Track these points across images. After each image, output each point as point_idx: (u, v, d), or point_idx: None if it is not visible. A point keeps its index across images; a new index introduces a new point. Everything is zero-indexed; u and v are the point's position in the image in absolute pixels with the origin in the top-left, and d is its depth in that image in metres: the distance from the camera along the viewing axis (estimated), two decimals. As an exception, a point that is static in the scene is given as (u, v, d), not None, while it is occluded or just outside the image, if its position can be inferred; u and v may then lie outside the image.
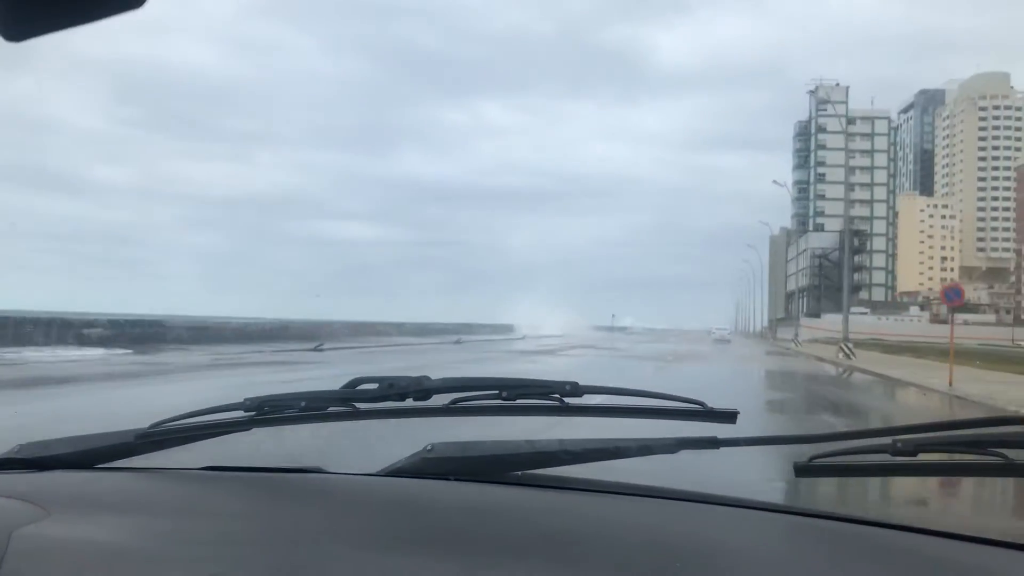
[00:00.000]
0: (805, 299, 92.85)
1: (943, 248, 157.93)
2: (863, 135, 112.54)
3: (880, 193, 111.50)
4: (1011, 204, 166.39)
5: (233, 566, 0.82)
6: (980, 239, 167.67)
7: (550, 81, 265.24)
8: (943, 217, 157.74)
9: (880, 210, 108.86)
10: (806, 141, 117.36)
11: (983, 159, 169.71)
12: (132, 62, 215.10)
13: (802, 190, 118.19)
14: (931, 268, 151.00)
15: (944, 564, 0.92)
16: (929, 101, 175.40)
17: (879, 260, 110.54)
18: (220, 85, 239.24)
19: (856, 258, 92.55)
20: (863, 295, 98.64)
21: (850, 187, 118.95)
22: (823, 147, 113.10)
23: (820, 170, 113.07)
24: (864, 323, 78.26)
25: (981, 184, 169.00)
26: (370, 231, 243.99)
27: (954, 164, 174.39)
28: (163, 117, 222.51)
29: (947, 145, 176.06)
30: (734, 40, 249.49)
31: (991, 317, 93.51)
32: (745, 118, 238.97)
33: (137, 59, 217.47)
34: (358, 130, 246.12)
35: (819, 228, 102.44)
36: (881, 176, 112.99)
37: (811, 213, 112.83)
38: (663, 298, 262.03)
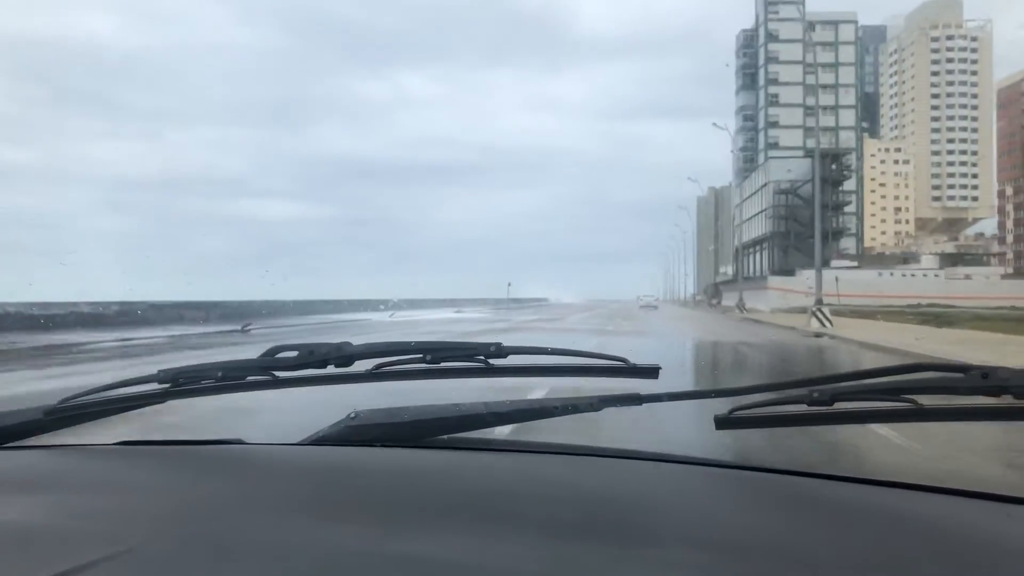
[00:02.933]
0: (766, 253, 68.16)
1: (896, 198, 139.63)
2: (824, 44, 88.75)
3: (847, 118, 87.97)
4: (967, 147, 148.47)
5: (149, 540, 0.78)
6: (936, 187, 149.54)
7: (471, 50, 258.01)
8: (896, 163, 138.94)
9: (848, 140, 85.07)
10: (753, 56, 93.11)
11: (936, 96, 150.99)
12: (29, 38, 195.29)
13: (748, 118, 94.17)
14: (884, 221, 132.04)
15: (859, 508, 0.96)
16: (870, 38, 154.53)
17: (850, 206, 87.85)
18: (126, 60, 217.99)
19: (837, 193, 68.75)
20: (845, 245, 75.11)
21: (809, 110, 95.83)
22: (775, 60, 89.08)
23: (772, 90, 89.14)
24: (857, 280, 53.86)
25: (935, 125, 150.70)
26: (293, 209, 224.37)
27: (904, 104, 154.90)
28: (67, 95, 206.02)
29: (896, 83, 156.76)
30: (658, 4, 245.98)
31: (998, 269, 70.91)
32: (670, 85, 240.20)
33: (34, 34, 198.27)
34: (275, 104, 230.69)
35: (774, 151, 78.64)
36: (848, 98, 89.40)
37: (761, 145, 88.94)
38: (593, 271, 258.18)
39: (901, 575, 0.73)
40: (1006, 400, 0.97)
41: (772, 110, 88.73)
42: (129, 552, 0.74)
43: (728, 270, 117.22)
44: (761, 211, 67.40)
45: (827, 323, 24.25)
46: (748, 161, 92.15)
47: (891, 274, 55.97)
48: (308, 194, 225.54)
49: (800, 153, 73.18)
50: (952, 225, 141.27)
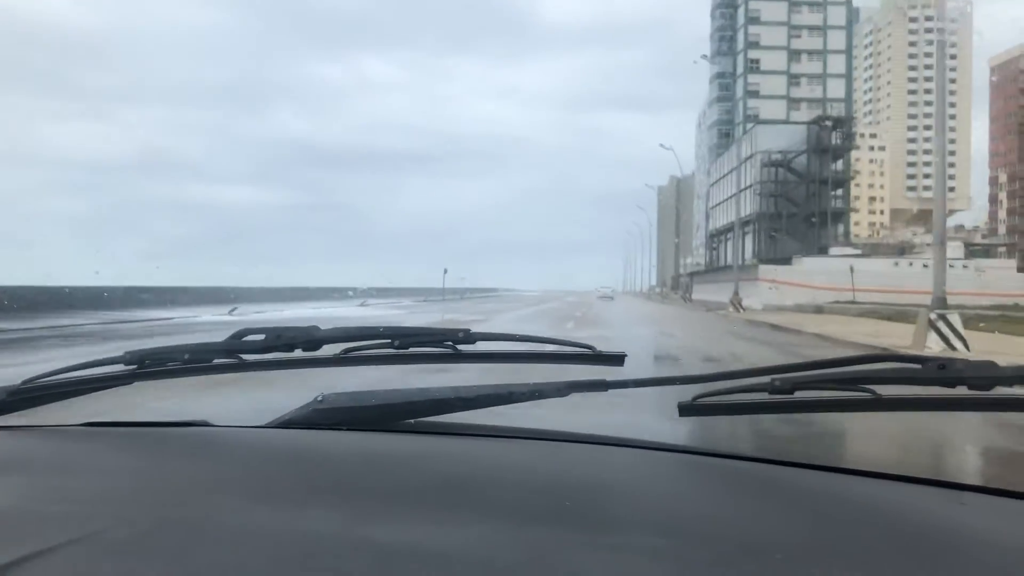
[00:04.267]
0: (751, 238, 56.96)
1: (871, 186, 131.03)
2: (812, 4, 77.99)
3: (835, 89, 77.36)
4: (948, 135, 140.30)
5: (116, 522, 0.77)
6: (911, 175, 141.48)
7: (434, 36, 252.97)
8: (871, 149, 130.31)
9: (837, 111, 74.40)
10: (731, 16, 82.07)
11: (913, 80, 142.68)
12: None
13: (725, 87, 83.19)
14: (857, 211, 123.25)
15: (820, 494, 0.99)
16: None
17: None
18: (77, 37, 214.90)
19: (845, 165, 57.90)
20: (845, 228, 64.33)
21: (794, 79, 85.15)
22: (756, 20, 78.15)
23: (753, 55, 78.19)
24: (867, 271, 42.89)
25: (912, 111, 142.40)
26: (249, 194, 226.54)
27: (879, 88, 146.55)
28: (15, 73, 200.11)
29: (871, 66, 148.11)
30: None
31: (1009, 262, 60.70)
32: (633, 76, 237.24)
33: None
34: (231, 86, 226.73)
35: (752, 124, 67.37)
36: (837, 65, 78.82)
37: (739, 118, 78.06)
38: (554, 262, 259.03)
39: (861, 560, 0.74)
40: (961, 391, 1.00)
41: (752, 78, 77.89)
42: (96, 535, 0.73)
43: (690, 261, 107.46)
44: (745, 188, 56.25)
45: (958, 343, 12.65)
46: (723, 136, 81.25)
47: (910, 264, 45.08)
48: (265, 178, 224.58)
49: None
50: (927, 217, 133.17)
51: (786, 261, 47.61)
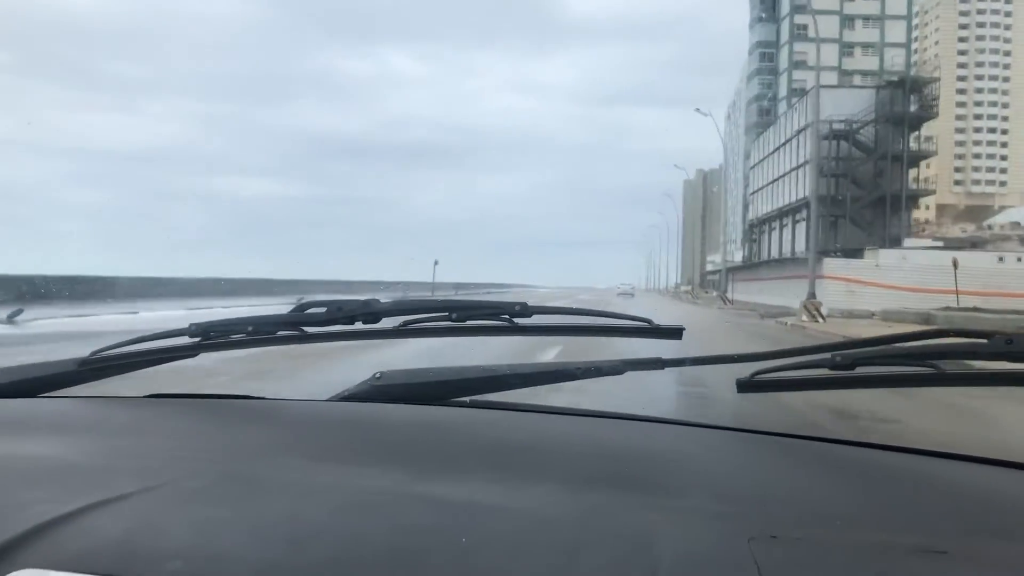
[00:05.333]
0: (802, 227, 47.15)
1: (915, 180, 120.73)
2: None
3: (894, 57, 67.24)
4: (997, 124, 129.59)
5: (182, 476, 0.80)
6: (958, 168, 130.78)
7: (458, 29, 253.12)
8: (915, 139, 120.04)
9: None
10: (774, -24, 72.18)
11: (963, 65, 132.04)
12: None
13: (766, 57, 73.30)
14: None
15: (880, 471, 0.97)
16: None
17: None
18: (101, 27, 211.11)
19: (919, 139, 47.98)
20: (920, 212, 54.32)
21: (847, 47, 75.02)
22: (805, -20, 68.23)
23: (800, 20, 68.23)
24: (964, 269, 32.95)
25: (961, 99, 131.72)
26: (271, 187, 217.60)
27: (927, 74, 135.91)
28: (38, 62, 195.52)
29: (916, 51, 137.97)
30: None
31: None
32: (659, 72, 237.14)
33: None
34: (255, 79, 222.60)
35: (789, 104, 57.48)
36: (896, 33, 68.73)
37: (783, 92, 68.25)
38: (573, 258, 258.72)
39: (927, 533, 0.73)
40: None
41: (799, 46, 67.99)
42: (166, 485, 0.75)
43: (717, 258, 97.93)
44: (797, 166, 46.46)
45: None
46: (763, 114, 71.41)
47: (1019, 260, 35.27)
48: (286, 171, 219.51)
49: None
50: (975, 213, 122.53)
51: (855, 253, 37.89)
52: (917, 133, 47.56)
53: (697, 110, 62.38)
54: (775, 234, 54.80)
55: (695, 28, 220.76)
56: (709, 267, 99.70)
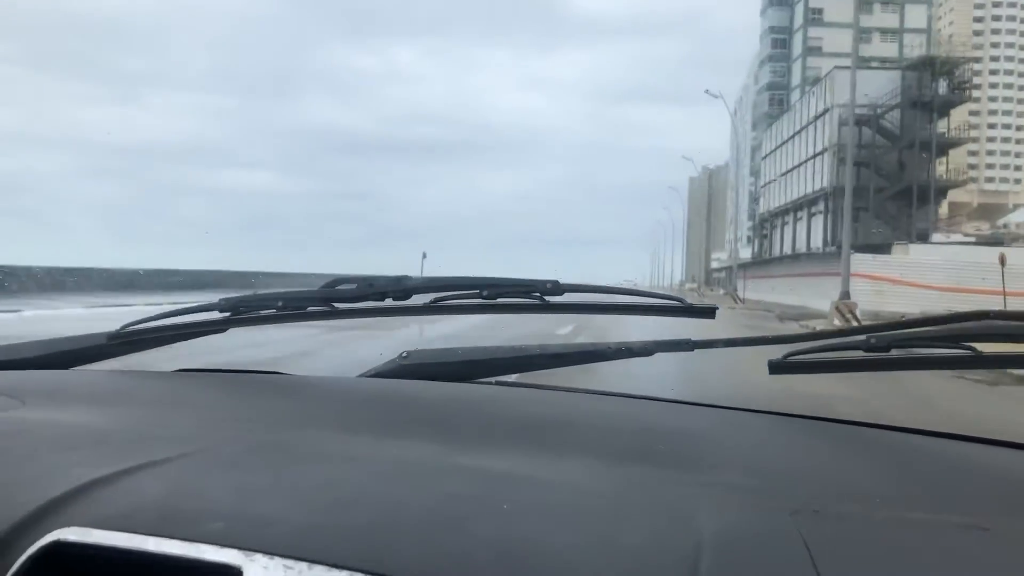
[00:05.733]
0: (820, 220, 43.72)
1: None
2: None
3: (913, 42, 63.68)
4: (1012, 120, 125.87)
5: (219, 443, 0.82)
6: (972, 165, 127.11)
7: (465, 24, 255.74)
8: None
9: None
10: (788, -42, 68.55)
11: (978, 60, 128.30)
12: None
13: (779, 43, 69.76)
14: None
15: (915, 455, 0.96)
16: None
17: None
18: (107, 19, 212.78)
19: (943, 119, 44.33)
20: (943, 205, 50.77)
21: (864, 32, 71.27)
22: (821, -39, 64.62)
23: (815, 3, 64.70)
24: (994, 267, 29.48)
25: (975, 94, 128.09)
26: (277, 181, 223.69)
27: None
28: (44, 55, 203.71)
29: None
30: None
31: None
32: (666, 70, 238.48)
33: None
34: (261, 73, 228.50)
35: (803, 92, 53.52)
36: (917, 18, 65.13)
37: (796, 81, 64.76)
38: (579, 255, 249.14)
39: (967, 517, 0.72)
40: None
41: (814, 31, 64.47)
42: (202, 452, 0.76)
43: (723, 255, 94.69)
44: (816, 154, 43.06)
45: None
46: (775, 103, 67.92)
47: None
48: (292, 166, 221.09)
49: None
50: (988, 211, 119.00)
51: (879, 249, 34.47)
52: (946, 119, 43.85)
53: (707, 91, 58.69)
54: (787, 229, 51.40)
55: (703, 25, 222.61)
56: (715, 264, 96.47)
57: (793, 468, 0.86)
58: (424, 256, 45.78)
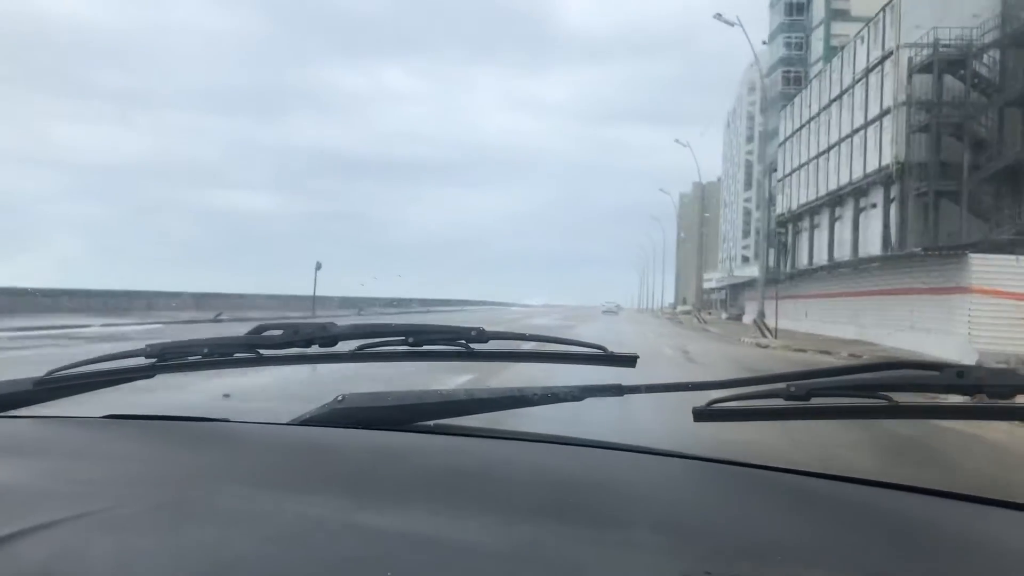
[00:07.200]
0: (879, 211, 30.35)
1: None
2: None
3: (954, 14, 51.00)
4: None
5: (120, 502, 0.81)
6: None
7: (454, 44, 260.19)
8: None
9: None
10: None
11: None
12: None
13: (794, 7, 57.08)
14: None
15: (827, 502, 1.00)
16: None
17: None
18: (96, 39, 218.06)
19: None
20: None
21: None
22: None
23: (842, -46, 51.98)
24: None
25: None
26: (264, 201, 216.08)
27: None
28: (32, 73, 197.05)
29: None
30: (648, 6, 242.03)
31: None
32: (656, 90, 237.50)
33: None
34: (251, 93, 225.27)
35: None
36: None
37: (817, 55, 51.97)
38: (567, 275, 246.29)
39: (866, 570, 0.75)
40: (981, 399, 0.99)
41: (838, -8, 51.66)
42: (99, 513, 0.77)
43: (716, 275, 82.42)
44: (877, 117, 29.82)
45: None
46: (790, 82, 55.21)
47: None
48: (280, 186, 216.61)
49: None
50: None
51: (1017, 247, 21.10)
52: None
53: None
54: (819, 233, 38.10)
55: (694, 47, 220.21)
56: (712, 283, 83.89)
57: (700, 520, 0.88)
58: (318, 267, 36.52)
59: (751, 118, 69.71)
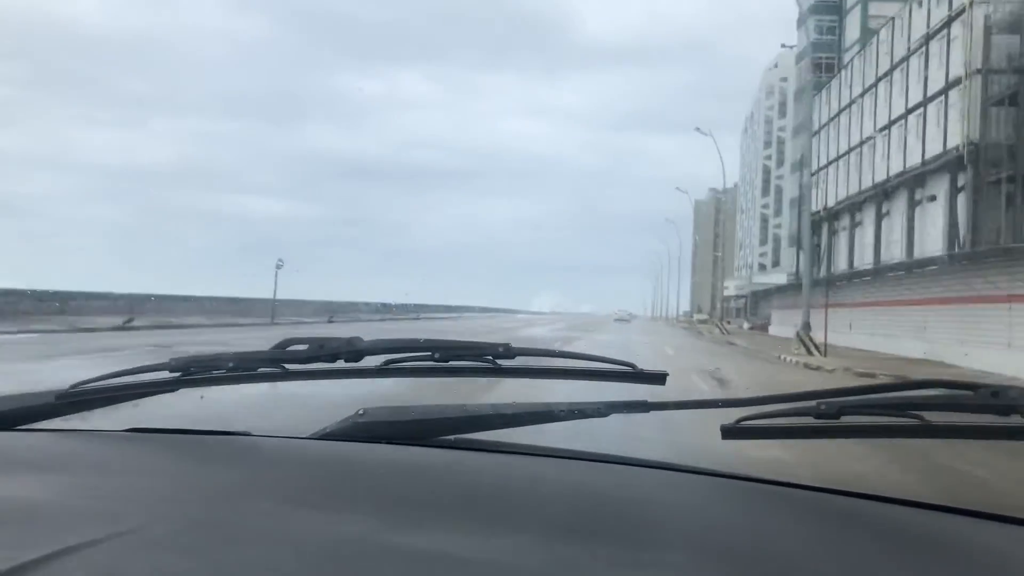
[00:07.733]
0: (943, 201, 25.37)
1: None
2: None
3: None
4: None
5: (153, 521, 0.80)
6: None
7: (469, 50, 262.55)
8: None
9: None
10: None
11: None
12: (10, 13, 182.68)
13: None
14: None
15: (863, 523, 0.98)
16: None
17: None
18: (113, 44, 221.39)
19: None
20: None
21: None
22: None
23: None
24: None
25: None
26: (279, 206, 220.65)
27: None
28: (50, 78, 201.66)
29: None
30: (663, 12, 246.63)
31: None
32: (670, 98, 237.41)
33: (16, 10, 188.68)
34: (265, 98, 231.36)
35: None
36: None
37: (854, 37, 47.12)
38: (581, 283, 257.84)
39: None
40: (1015, 419, 0.97)
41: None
42: (133, 532, 0.75)
43: (734, 283, 77.39)
44: (932, 97, 24.94)
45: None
46: (821, 70, 50.08)
47: None
48: (295, 191, 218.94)
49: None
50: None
51: None
52: None
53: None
54: (860, 232, 33.09)
55: (709, 54, 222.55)
56: (730, 291, 78.91)
57: (730, 540, 0.87)
58: (280, 265, 32.77)
59: (769, 122, 65.37)
